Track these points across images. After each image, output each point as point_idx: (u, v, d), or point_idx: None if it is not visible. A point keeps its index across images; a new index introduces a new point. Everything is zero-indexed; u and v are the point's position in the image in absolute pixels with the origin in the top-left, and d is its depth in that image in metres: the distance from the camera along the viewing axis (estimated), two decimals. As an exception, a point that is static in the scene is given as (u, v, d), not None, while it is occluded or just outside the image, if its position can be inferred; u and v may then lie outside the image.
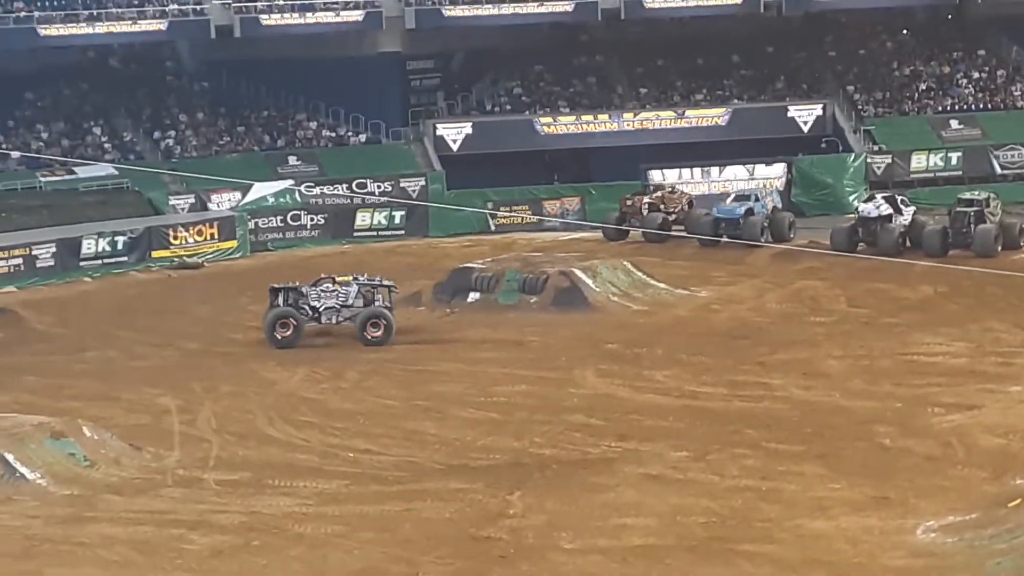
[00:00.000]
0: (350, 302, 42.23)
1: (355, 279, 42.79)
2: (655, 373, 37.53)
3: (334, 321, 42.34)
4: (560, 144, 66.99)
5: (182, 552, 25.64)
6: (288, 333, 41.71)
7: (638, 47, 71.51)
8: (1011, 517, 24.90)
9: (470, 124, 66.43)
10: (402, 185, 63.54)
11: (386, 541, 25.74)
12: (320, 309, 42.24)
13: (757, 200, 57.48)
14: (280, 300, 42.22)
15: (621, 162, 64.65)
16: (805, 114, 67.97)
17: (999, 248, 51.99)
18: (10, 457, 29.81)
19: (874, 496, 27.27)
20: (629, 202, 59.31)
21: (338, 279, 42.70)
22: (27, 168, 61.25)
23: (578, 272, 46.82)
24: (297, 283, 42.83)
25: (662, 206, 58.87)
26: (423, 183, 63.89)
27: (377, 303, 42.33)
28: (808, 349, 39.81)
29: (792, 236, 56.90)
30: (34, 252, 54.21)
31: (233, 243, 58.84)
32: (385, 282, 43.28)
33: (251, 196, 60.60)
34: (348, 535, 26.18)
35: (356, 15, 65.50)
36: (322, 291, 42.24)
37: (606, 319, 44.38)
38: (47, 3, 62.83)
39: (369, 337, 41.52)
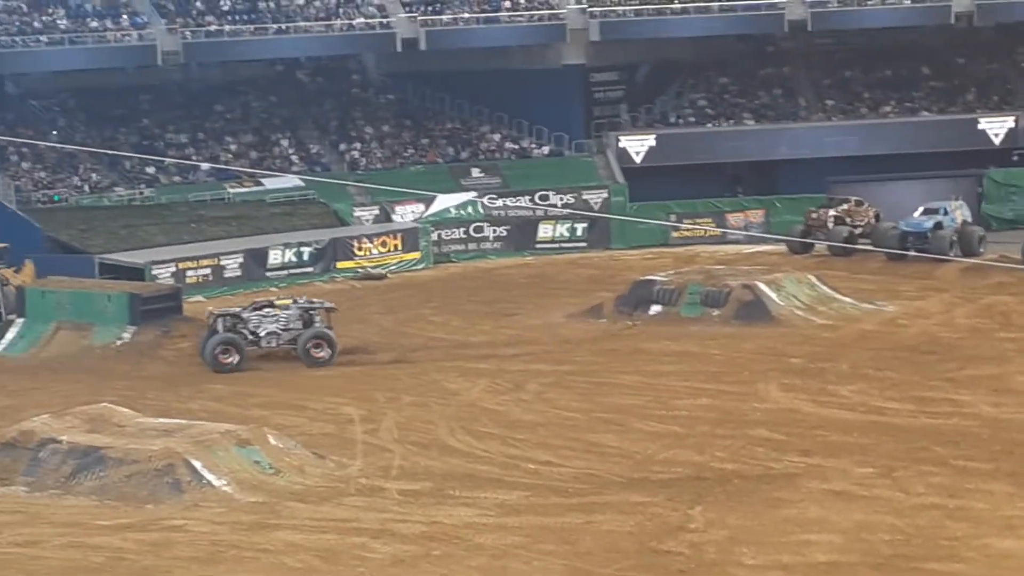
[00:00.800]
0: (290, 325, 42.66)
1: (295, 302, 43.19)
2: (840, 388, 37.00)
3: (274, 345, 42.71)
4: (744, 156, 66.48)
5: (364, 560, 25.80)
6: (230, 359, 41.89)
7: (825, 58, 70.80)
8: None
9: (654, 136, 66.19)
10: (584, 197, 63.52)
11: (566, 553, 25.65)
12: (260, 334, 42.52)
13: (946, 213, 56.46)
14: (220, 326, 42.49)
15: (806, 174, 63.96)
16: (996, 126, 66.64)
17: None
18: (197, 464, 30.28)
19: (1066, 516, 26.61)
20: (814, 215, 58.63)
21: (277, 302, 43.29)
22: (216, 179, 62.30)
23: (761, 285, 46.38)
24: (237, 308, 43.42)
25: (848, 219, 58.11)
26: (606, 195, 63.83)
27: (316, 324, 42.69)
28: (998, 365, 38.97)
29: (982, 250, 55.79)
30: (222, 262, 55.13)
31: (416, 254, 59.28)
32: (326, 304, 43.70)
33: (435, 208, 61.09)
34: (528, 546, 26.13)
35: (540, 27, 65.66)
36: (262, 315, 42.54)
37: (790, 333, 43.91)
38: (237, 18, 63.86)
39: (314, 358, 42.00)
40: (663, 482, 29.50)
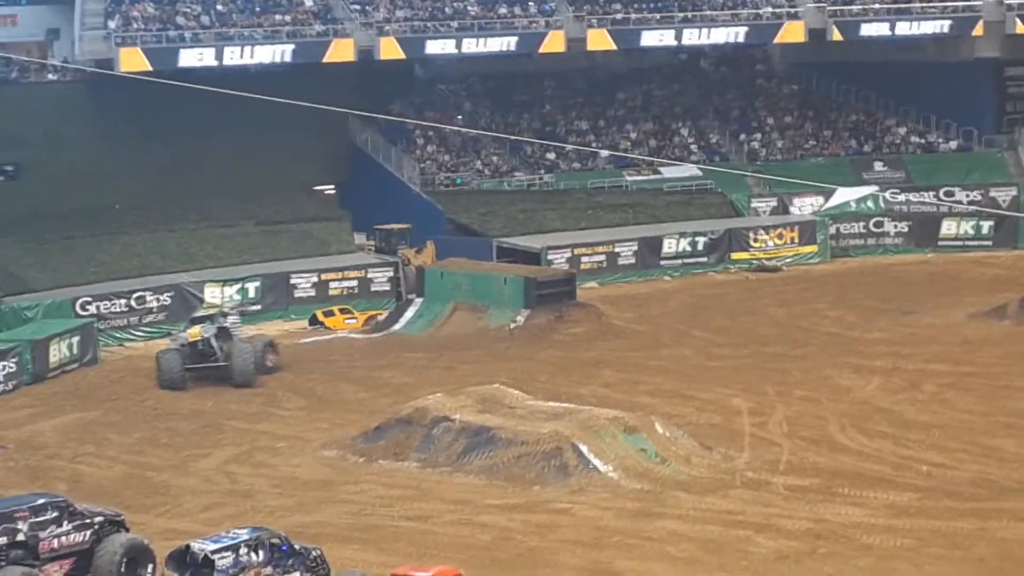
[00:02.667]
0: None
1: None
2: None
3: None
4: None
5: (747, 554, 25.54)
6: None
7: None
8: None
9: (1069, 131, 63.72)
10: (992, 194, 61.49)
11: (957, 559, 24.86)
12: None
13: None
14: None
15: None
16: None
17: None
18: (584, 448, 30.47)
19: None
20: None
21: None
22: (614, 167, 62.58)
23: None
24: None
25: None
26: (1015, 193, 61.67)
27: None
28: None
29: None
30: (617, 249, 55.33)
31: (813, 248, 58.38)
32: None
33: (834, 201, 60.04)
34: (918, 550, 25.43)
35: (954, 19, 63.80)
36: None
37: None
38: (643, 5, 63.94)
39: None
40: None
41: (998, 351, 41.46)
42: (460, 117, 64.47)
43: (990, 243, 60.35)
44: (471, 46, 60.52)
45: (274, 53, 55.84)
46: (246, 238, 54.16)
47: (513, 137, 58.51)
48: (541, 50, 61.35)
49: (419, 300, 48.83)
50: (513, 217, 57.47)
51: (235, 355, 40.90)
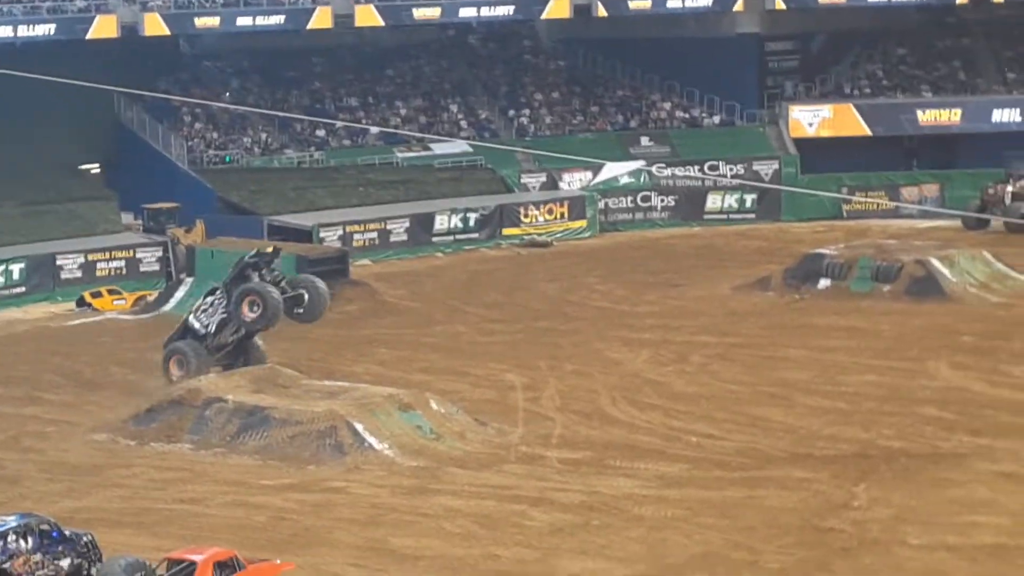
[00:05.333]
0: None
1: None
2: (1013, 368, 36.16)
3: None
4: (920, 129, 65.23)
5: (522, 528, 25.76)
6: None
7: (1007, 29, 69.04)
8: None
9: (828, 107, 65.18)
10: (755, 168, 62.79)
11: (727, 527, 25.39)
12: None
13: None
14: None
15: (984, 149, 62.56)
16: None
17: None
18: (360, 427, 30.47)
19: None
20: (991, 191, 57.41)
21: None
22: (385, 144, 62.51)
23: (934, 261, 45.51)
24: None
25: (1026, 195, 56.81)
26: (776, 167, 63.03)
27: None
28: None
29: None
30: (389, 226, 55.36)
31: (583, 222, 59.05)
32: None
33: (602, 176, 60.78)
34: (688, 519, 25.92)
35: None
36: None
37: (962, 310, 43.01)
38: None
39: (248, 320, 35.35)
40: (827, 459, 29.06)
41: (762, 322, 42.41)
42: (228, 94, 63.81)
43: (754, 216, 61.68)
44: (239, 22, 59.95)
45: (36, 29, 54.67)
46: (9, 220, 52.88)
47: (282, 114, 58.14)
48: (309, 26, 61.01)
49: (189, 280, 48.19)
50: (284, 195, 57.13)
51: None
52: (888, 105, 65.47)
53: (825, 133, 64.60)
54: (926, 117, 64.77)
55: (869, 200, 61.84)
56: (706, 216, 61.67)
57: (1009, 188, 57.09)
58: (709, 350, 38.94)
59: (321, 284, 36.71)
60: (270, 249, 37.44)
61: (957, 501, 26.38)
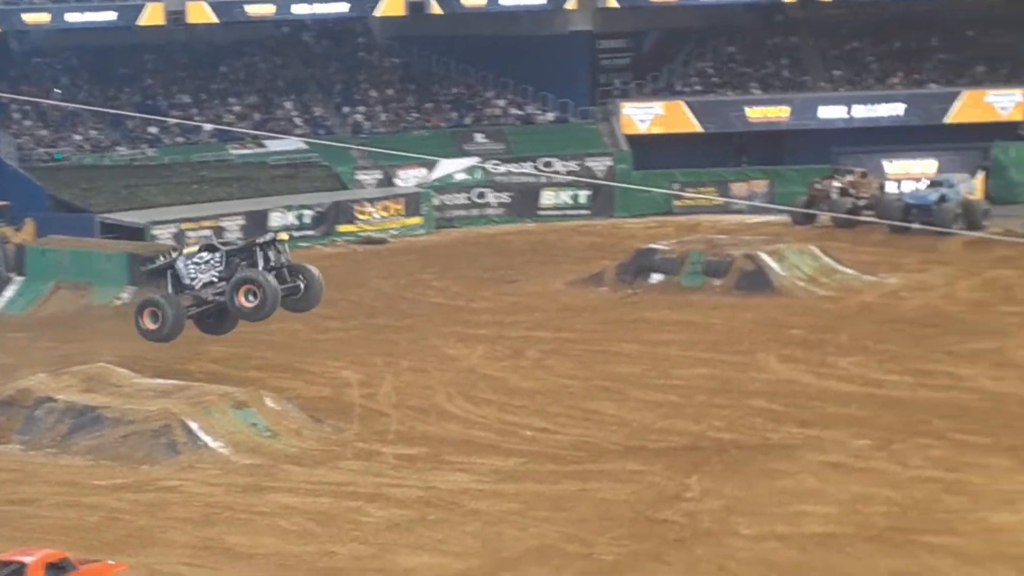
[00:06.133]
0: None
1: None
2: (839, 360, 36.90)
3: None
4: (750, 126, 66.24)
5: (359, 524, 25.79)
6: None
7: (833, 28, 70.41)
8: None
9: (659, 104, 65.95)
10: (588, 164, 63.33)
11: (561, 520, 25.63)
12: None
13: (951, 186, 56.23)
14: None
15: (811, 145, 63.74)
16: (1004, 100, 66.31)
17: None
18: (194, 425, 30.28)
19: (1064, 491, 26.55)
20: (818, 186, 58.38)
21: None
22: (219, 141, 62.12)
23: (764, 256, 46.24)
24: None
25: (852, 191, 57.90)
26: (610, 163, 63.62)
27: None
28: (999, 339, 38.83)
29: (987, 224, 55.54)
30: (223, 223, 54.97)
31: (418, 219, 59.16)
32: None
33: (437, 173, 60.94)
34: (523, 513, 26.12)
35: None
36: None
37: (791, 304, 43.77)
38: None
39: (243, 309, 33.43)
40: (660, 451, 29.44)
41: (596, 317, 42.81)
42: (58, 91, 62.99)
43: (588, 212, 62.22)
44: (68, 18, 59.20)
45: None
46: None
47: (113, 111, 57.45)
48: (140, 22, 60.45)
49: (19, 279, 47.59)
50: (116, 192, 56.50)
51: None
52: (718, 102, 66.42)
53: (657, 130, 65.35)
54: (755, 114, 65.82)
55: (700, 196, 62.70)
56: (540, 212, 62.10)
57: (836, 184, 58.11)
58: (544, 345, 39.23)
59: (316, 273, 35.18)
60: (285, 237, 35.83)
61: (786, 491, 26.87)
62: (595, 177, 62.20)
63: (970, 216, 55.42)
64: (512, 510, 26.26)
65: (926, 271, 48.46)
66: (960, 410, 32.08)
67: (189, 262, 34.14)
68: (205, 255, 34.06)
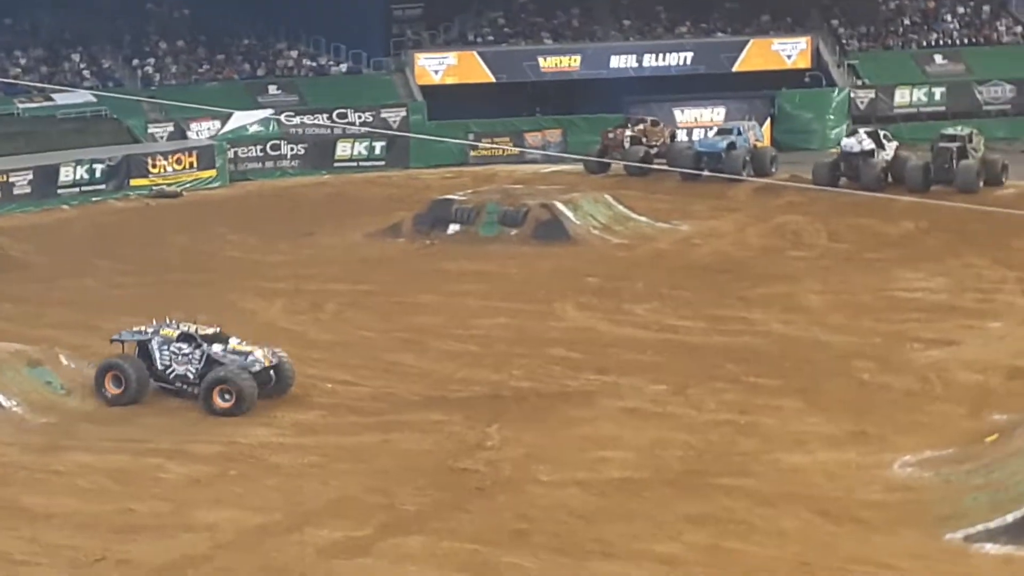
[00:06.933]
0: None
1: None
2: (635, 307, 37.46)
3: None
4: (543, 76, 66.63)
5: (158, 481, 25.58)
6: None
7: (623, -22, 71.06)
8: (988, 452, 24.95)
9: (452, 55, 66.02)
10: (383, 116, 63.19)
11: (362, 472, 25.70)
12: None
13: (739, 134, 57.25)
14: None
15: (603, 95, 64.38)
16: (789, 48, 67.62)
17: (981, 184, 51.87)
18: (-14, 385, 29.70)
19: (852, 431, 27.30)
20: (611, 135, 59.05)
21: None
22: (4, 95, 60.75)
23: (559, 205, 46.70)
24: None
25: (644, 139, 58.66)
26: (404, 114, 63.54)
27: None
28: (789, 284, 39.76)
29: (774, 170, 56.71)
30: (11, 179, 53.87)
31: (212, 172, 58.54)
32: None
33: (231, 125, 60.22)
34: (325, 465, 26.15)
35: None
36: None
37: (587, 252, 44.28)
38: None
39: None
40: (460, 401, 29.64)
41: (394, 269, 42.88)
42: None
43: (383, 163, 62.17)
44: None
45: None
46: None
47: None
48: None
49: None
50: (-102, 149, 55.05)
51: None
52: (511, 52, 66.71)
53: (451, 80, 65.45)
54: (547, 64, 66.26)
55: (495, 146, 62.99)
56: (336, 164, 61.89)
57: (628, 132, 58.82)
58: (342, 298, 39.20)
59: (288, 363, 30.82)
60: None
61: (586, 438, 27.26)
62: (390, 128, 62.12)
63: (758, 163, 56.58)
64: (313, 463, 26.27)
65: (717, 218, 49.37)
66: (752, 354, 32.80)
67: (164, 351, 30.85)
68: (181, 344, 30.73)
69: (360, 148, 62.30)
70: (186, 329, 30.77)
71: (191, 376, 30.13)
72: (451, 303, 38.34)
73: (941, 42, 69.70)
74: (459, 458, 26.20)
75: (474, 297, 39.01)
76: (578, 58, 66.48)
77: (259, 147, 61.02)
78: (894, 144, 54.39)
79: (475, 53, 66.26)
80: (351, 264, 43.80)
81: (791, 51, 67.58)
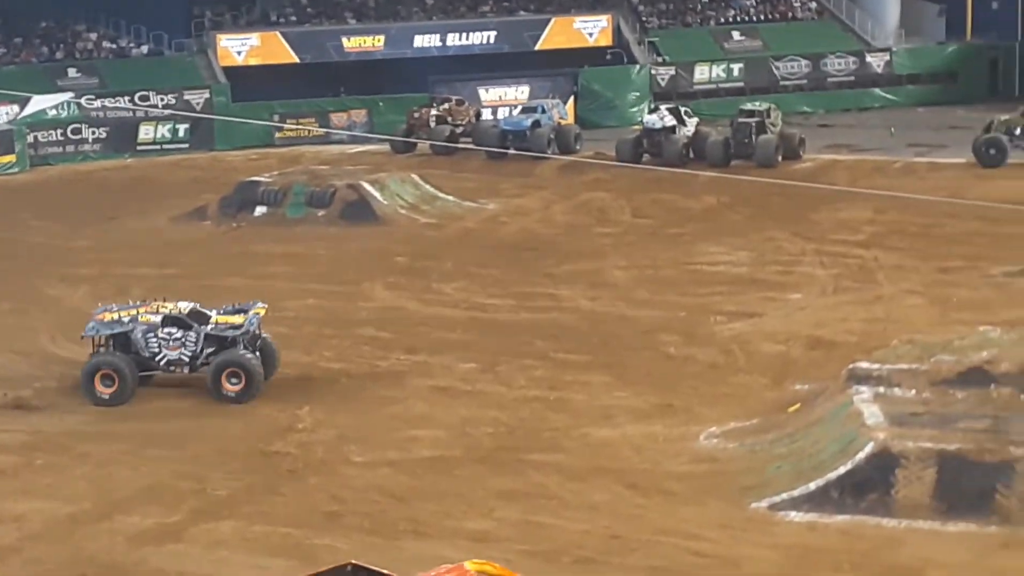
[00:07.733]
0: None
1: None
2: (444, 286, 37.67)
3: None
4: (347, 56, 66.48)
5: (-37, 473, 25.24)
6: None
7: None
8: (790, 422, 25.57)
9: (255, 35, 65.56)
10: (186, 98, 62.53)
11: (174, 458, 25.60)
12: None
13: (544, 112, 57.72)
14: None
15: (408, 74, 64.41)
16: (591, 26, 68.29)
17: (779, 158, 52.88)
18: None
19: (658, 404, 27.80)
20: (416, 115, 59.15)
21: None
22: None
23: (366, 185, 46.73)
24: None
25: (449, 118, 58.85)
26: (208, 96, 62.95)
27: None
28: (594, 260, 40.24)
29: (578, 148, 57.28)
30: None
31: (11, 157, 57.51)
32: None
33: (29, 109, 59.28)
34: (135, 452, 25.98)
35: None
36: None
37: (395, 232, 44.38)
38: None
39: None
40: (271, 384, 29.56)
41: (201, 252, 42.57)
42: None
43: (187, 146, 61.57)
44: None
45: None
46: None
47: None
48: None
49: None
50: None
51: None
52: (313, 32, 66.46)
53: (254, 61, 65.03)
54: (351, 44, 66.13)
55: (300, 127, 62.75)
56: (139, 147, 61.19)
57: (433, 112, 58.97)
58: (149, 282, 38.69)
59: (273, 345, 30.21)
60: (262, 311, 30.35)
61: (397, 417, 27.43)
62: (193, 110, 61.53)
63: (563, 140, 57.12)
64: (123, 450, 26.10)
65: (523, 196, 49.75)
66: (560, 330, 33.21)
67: (150, 336, 29.43)
68: (170, 329, 29.38)
69: (163, 131, 61.65)
70: (168, 312, 29.65)
71: (186, 359, 29.44)
72: (259, 285, 38.07)
73: (738, 19, 70.86)
74: (271, 441, 26.21)
75: (283, 279, 38.91)
76: (382, 38, 66.44)
77: (59, 131, 60.08)
78: (695, 120, 55.28)
79: (278, 34, 65.89)
80: (157, 248, 43.38)
81: (592, 29, 68.24)
